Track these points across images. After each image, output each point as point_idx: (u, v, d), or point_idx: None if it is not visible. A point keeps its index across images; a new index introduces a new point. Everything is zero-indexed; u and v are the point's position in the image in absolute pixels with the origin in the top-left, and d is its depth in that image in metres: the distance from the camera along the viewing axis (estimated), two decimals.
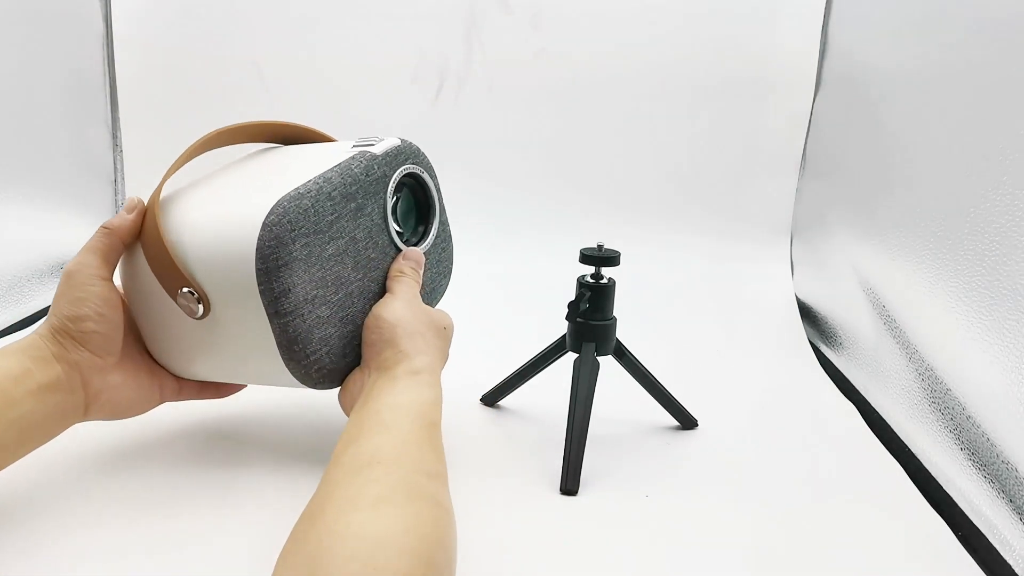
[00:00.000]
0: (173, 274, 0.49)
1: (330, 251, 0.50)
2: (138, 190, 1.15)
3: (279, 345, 0.50)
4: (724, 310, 1.04)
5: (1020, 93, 0.58)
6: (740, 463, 0.64)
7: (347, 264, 0.52)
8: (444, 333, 0.56)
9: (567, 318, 0.63)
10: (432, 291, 0.63)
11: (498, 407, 0.73)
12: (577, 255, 0.62)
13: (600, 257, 0.61)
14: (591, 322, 0.63)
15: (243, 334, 0.50)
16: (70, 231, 1.04)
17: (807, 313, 1.03)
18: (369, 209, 0.54)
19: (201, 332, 0.51)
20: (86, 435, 0.59)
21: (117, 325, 0.51)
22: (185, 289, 0.49)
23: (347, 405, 0.53)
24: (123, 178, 1.16)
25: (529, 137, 1.14)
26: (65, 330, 0.49)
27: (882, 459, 0.66)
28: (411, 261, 0.58)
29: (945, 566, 0.51)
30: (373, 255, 0.55)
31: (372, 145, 0.57)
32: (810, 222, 1.09)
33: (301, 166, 0.54)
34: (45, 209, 1.00)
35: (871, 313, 0.82)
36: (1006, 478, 0.54)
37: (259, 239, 0.47)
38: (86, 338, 0.49)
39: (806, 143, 1.11)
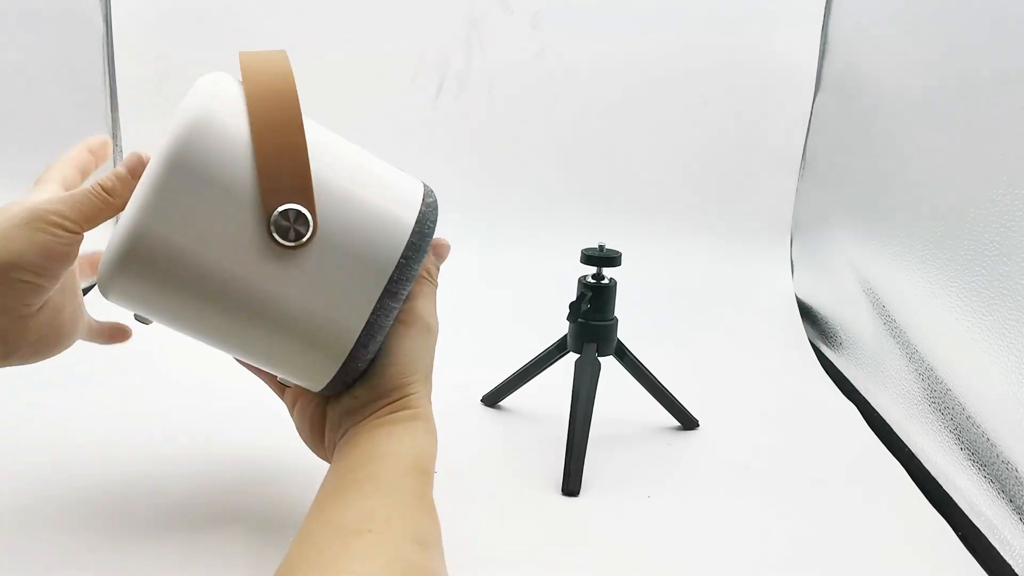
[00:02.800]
0: (299, 185, 0.38)
1: None
2: None
3: (365, 325, 0.40)
4: (724, 310, 1.04)
5: (1020, 92, 0.59)
6: (741, 463, 0.64)
7: None
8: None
9: (568, 318, 0.63)
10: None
11: (499, 407, 0.73)
12: (578, 255, 0.62)
13: (601, 257, 0.61)
14: (592, 322, 0.63)
15: (327, 290, 0.40)
16: None
17: (807, 313, 1.03)
18: None
19: (265, 271, 0.39)
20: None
21: (55, 284, 0.41)
22: (301, 208, 0.38)
23: (310, 435, 0.46)
24: None
25: (529, 137, 1.13)
26: None
27: (882, 459, 0.67)
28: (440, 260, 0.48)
29: (945, 566, 0.52)
30: None
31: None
32: (810, 222, 1.09)
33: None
34: None
35: (871, 313, 0.82)
36: (1006, 478, 0.54)
37: (423, 206, 0.41)
38: (14, 284, 0.39)
39: (806, 143, 1.11)
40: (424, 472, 0.40)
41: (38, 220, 0.39)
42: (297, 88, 0.39)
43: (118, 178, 0.42)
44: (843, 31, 1.02)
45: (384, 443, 0.40)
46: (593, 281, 0.63)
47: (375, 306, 0.40)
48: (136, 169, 0.42)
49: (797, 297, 1.06)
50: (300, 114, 0.39)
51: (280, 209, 0.37)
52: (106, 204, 0.41)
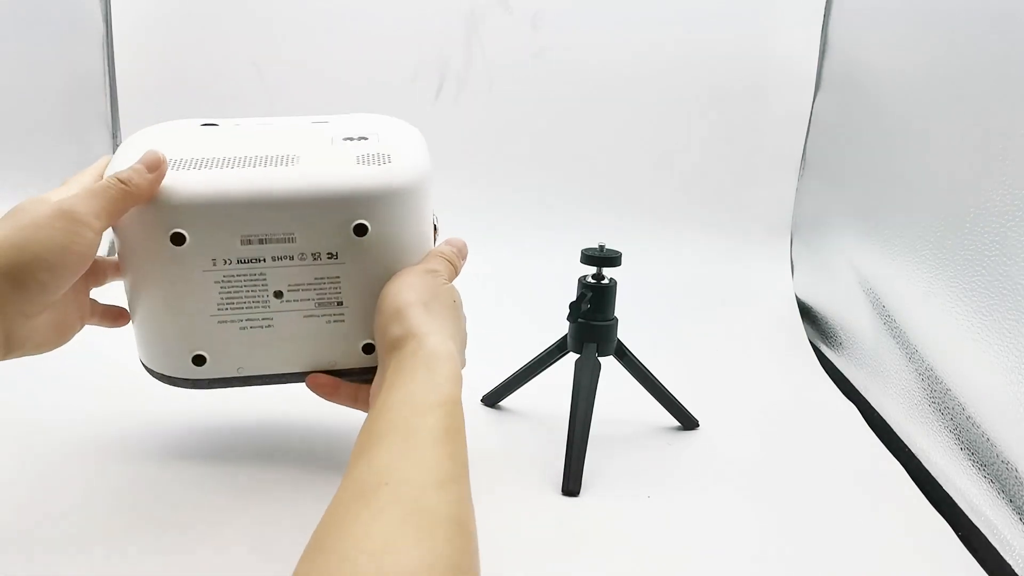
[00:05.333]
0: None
1: None
2: None
3: None
4: (724, 310, 1.04)
5: (1020, 92, 0.59)
6: (741, 463, 0.64)
7: None
8: (455, 307, 0.51)
9: (568, 319, 0.63)
10: None
11: (499, 408, 0.73)
12: (578, 255, 0.62)
13: (601, 257, 0.61)
14: (592, 322, 0.63)
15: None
16: None
17: (807, 313, 1.03)
18: None
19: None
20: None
21: (68, 286, 0.43)
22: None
23: (373, 395, 0.50)
24: None
25: (529, 137, 1.13)
26: (9, 262, 0.40)
27: (882, 459, 0.67)
28: (453, 247, 0.57)
29: (945, 566, 0.52)
30: None
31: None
32: (810, 222, 1.09)
33: None
34: None
35: (871, 313, 0.82)
36: (1006, 478, 0.54)
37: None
38: (27, 283, 0.41)
39: (806, 143, 1.11)
40: (439, 405, 0.41)
41: (61, 218, 0.41)
42: None
43: (134, 171, 0.44)
44: (843, 31, 1.02)
45: (399, 388, 0.42)
46: (593, 281, 0.63)
47: None
48: (153, 164, 0.45)
49: (797, 297, 1.06)
50: None
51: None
52: (125, 194, 0.43)
